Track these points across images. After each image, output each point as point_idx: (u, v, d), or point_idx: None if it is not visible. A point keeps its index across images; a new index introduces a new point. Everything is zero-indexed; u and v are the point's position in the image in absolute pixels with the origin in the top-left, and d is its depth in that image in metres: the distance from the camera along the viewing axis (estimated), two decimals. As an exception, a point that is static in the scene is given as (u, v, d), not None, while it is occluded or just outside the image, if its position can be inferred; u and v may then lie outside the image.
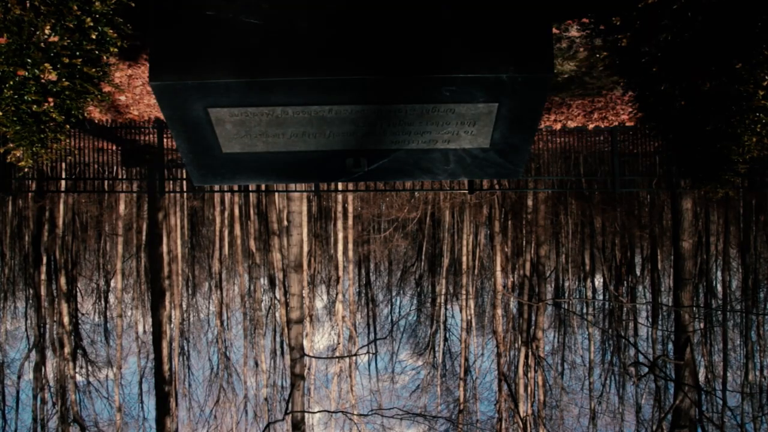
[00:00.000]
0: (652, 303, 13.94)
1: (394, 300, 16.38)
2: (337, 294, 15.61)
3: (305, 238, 13.39)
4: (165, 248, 13.06)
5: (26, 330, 13.71)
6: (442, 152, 2.42)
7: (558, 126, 8.68)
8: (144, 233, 15.21)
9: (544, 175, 9.54)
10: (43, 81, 3.15)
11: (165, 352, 10.99)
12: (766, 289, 13.98)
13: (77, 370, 13.10)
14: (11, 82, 3.00)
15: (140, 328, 14.66)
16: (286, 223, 12.24)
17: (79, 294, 14.50)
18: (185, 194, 14.92)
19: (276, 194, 13.12)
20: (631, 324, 13.84)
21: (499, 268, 14.12)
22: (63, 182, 9.84)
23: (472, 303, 14.92)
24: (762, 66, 3.12)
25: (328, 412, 13.52)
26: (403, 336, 15.56)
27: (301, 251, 11.59)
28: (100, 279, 15.51)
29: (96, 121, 8.25)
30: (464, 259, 15.32)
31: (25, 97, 3.10)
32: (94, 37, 3.11)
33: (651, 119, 4.06)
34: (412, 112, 2.08)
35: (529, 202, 14.41)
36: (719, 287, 14.34)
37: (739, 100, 3.38)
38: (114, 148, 9.25)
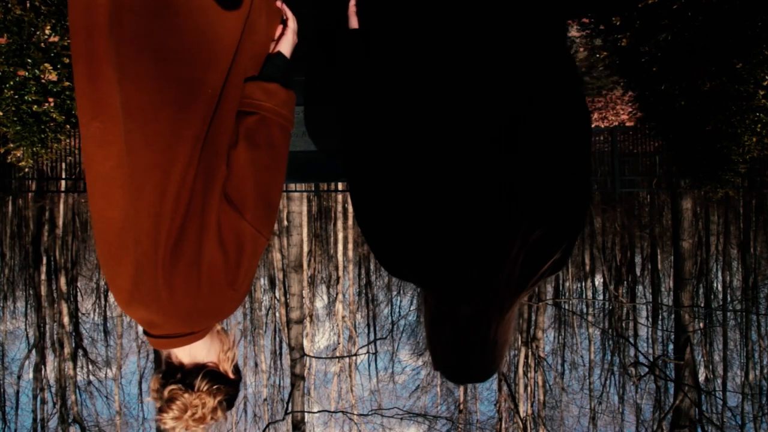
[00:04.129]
0: (652, 303, 13.94)
1: (394, 300, 16.39)
2: (337, 294, 15.62)
3: (305, 238, 13.39)
4: (165, 248, 13.03)
5: (26, 330, 13.73)
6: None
7: (558, 126, 8.68)
8: (144, 233, 15.19)
9: (544, 175, 9.52)
10: (43, 81, 3.15)
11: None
12: (766, 289, 13.98)
13: (77, 370, 13.11)
14: (11, 82, 3.01)
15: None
16: (286, 223, 12.24)
17: (79, 294, 14.50)
18: (185, 194, 14.90)
19: (276, 194, 13.08)
20: (631, 324, 13.83)
21: (499, 268, 14.10)
22: (63, 182, 9.85)
23: (472, 303, 14.90)
24: (762, 66, 3.12)
25: (328, 412, 13.52)
26: (403, 336, 15.56)
27: (301, 251, 11.60)
28: (100, 279, 15.51)
29: (96, 121, 8.24)
30: (464, 259, 15.30)
31: (26, 97, 3.11)
32: (94, 37, 3.11)
33: (651, 119, 4.07)
34: (412, 112, 2.08)
35: (529, 202, 14.39)
36: (719, 287, 14.34)
37: (739, 100, 3.38)
38: (114, 148, 9.24)
